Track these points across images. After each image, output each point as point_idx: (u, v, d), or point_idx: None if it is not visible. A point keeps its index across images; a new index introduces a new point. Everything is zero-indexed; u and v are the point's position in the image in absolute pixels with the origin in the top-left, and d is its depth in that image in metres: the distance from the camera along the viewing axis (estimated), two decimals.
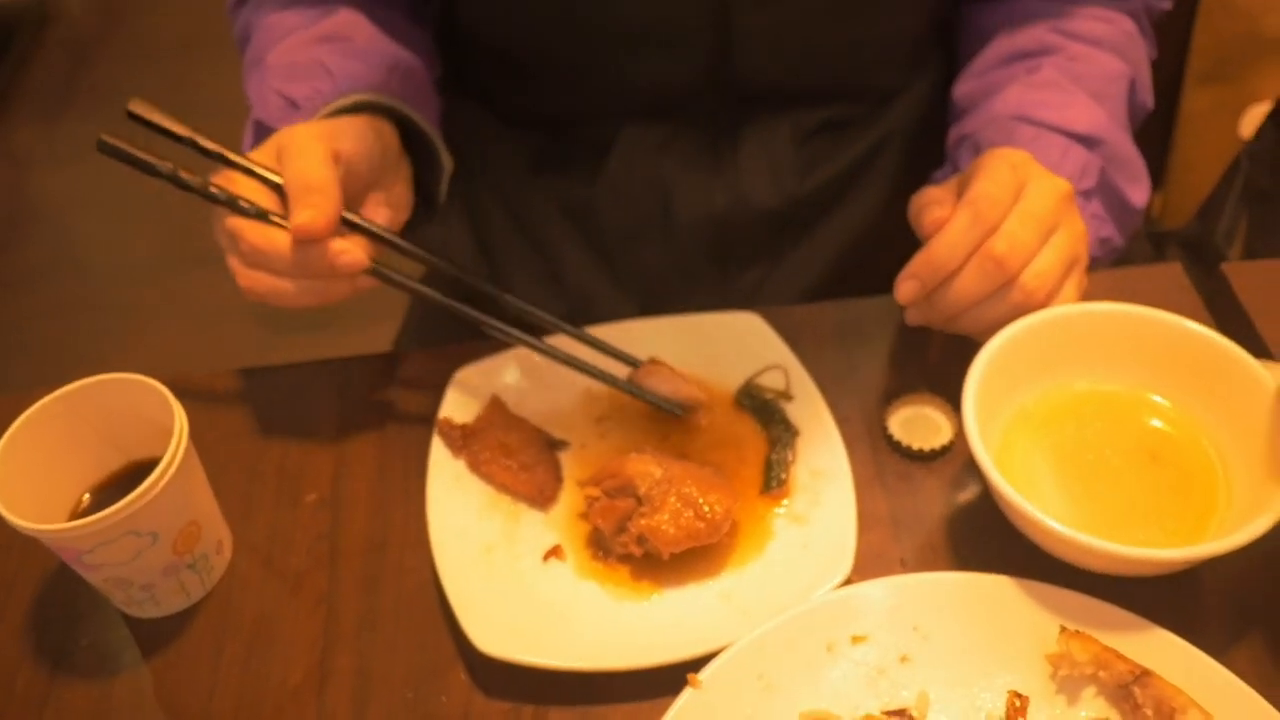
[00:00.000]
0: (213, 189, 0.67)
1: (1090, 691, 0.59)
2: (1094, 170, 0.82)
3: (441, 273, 0.76)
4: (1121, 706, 0.58)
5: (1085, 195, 0.81)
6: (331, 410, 0.78)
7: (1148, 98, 0.91)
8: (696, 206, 0.93)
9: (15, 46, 2.86)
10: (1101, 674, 0.58)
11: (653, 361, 0.74)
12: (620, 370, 0.75)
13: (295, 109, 0.77)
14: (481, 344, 0.78)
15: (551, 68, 0.91)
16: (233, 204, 0.67)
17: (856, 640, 0.61)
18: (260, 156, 0.70)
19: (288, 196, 0.68)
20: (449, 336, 0.84)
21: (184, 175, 0.67)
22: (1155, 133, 1.31)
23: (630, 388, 0.73)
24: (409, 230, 0.78)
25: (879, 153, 0.96)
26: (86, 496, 0.67)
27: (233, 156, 0.69)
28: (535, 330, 0.75)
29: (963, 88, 0.89)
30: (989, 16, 0.91)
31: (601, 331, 0.77)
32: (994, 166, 0.71)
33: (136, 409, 0.66)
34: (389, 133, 0.75)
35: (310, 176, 0.67)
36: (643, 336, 0.77)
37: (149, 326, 2.16)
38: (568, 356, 0.73)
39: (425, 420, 0.75)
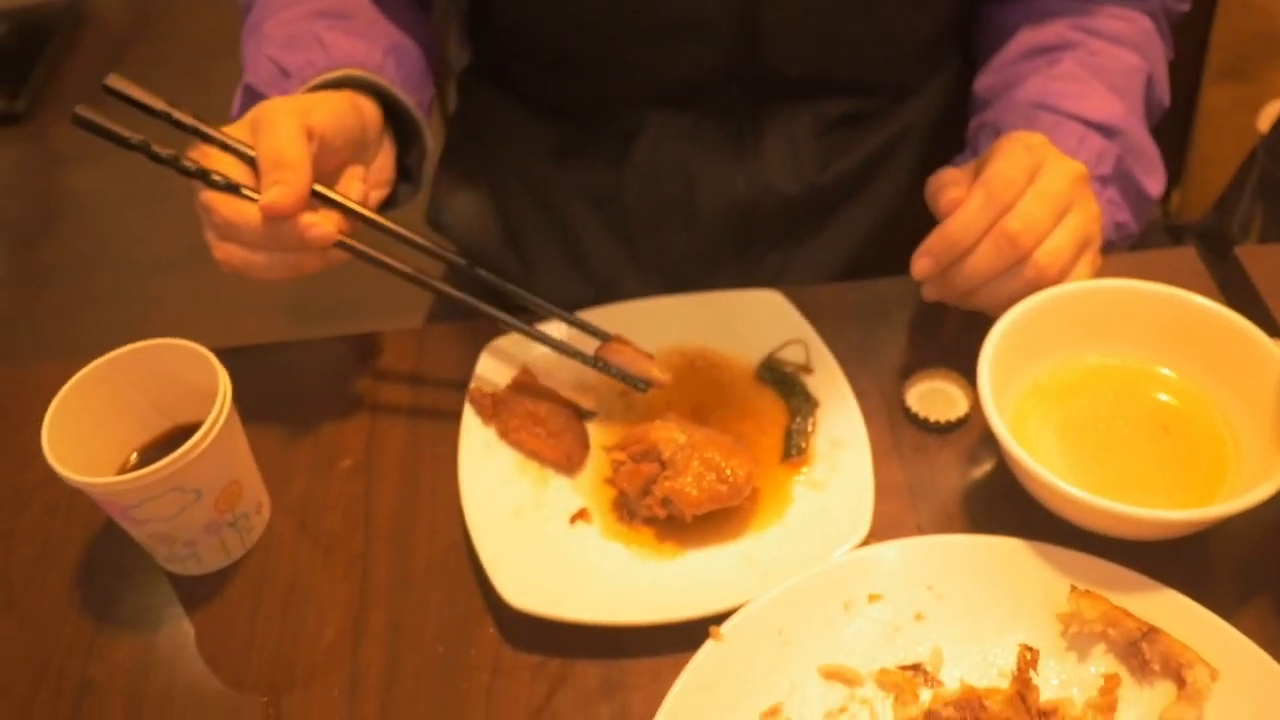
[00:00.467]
0: (185, 162, 0.68)
1: (1100, 649, 0.61)
2: (1110, 157, 0.84)
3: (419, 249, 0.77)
4: (1130, 663, 0.60)
5: (1102, 181, 0.83)
6: (365, 381, 0.81)
7: (1164, 95, 0.93)
8: (719, 193, 0.95)
9: (50, 48, 2.92)
10: (1111, 631, 0.60)
11: (618, 339, 0.75)
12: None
13: (286, 77, 0.78)
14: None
15: (581, 56, 0.93)
16: (204, 177, 0.68)
17: (873, 599, 0.63)
18: (236, 131, 0.71)
19: (259, 171, 0.69)
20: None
21: (156, 148, 0.67)
22: (1174, 129, 1.32)
23: (596, 363, 0.74)
24: (388, 208, 0.80)
25: (898, 145, 0.98)
26: (134, 456, 0.70)
27: (208, 130, 0.70)
28: (505, 302, 0.76)
29: (984, 81, 0.91)
30: (1009, 15, 0.93)
31: (627, 309, 0.80)
32: (1010, 149, 0.73)
33: (181, 373, 0.69)
34: (370, 110, 0.77)
35: (281, 152, 0.68)
36: (666, 314, 0.80)
37: (178, 318, 2.20)
38: (527, 328, 0.75)
39: (455, 391, 0.77)
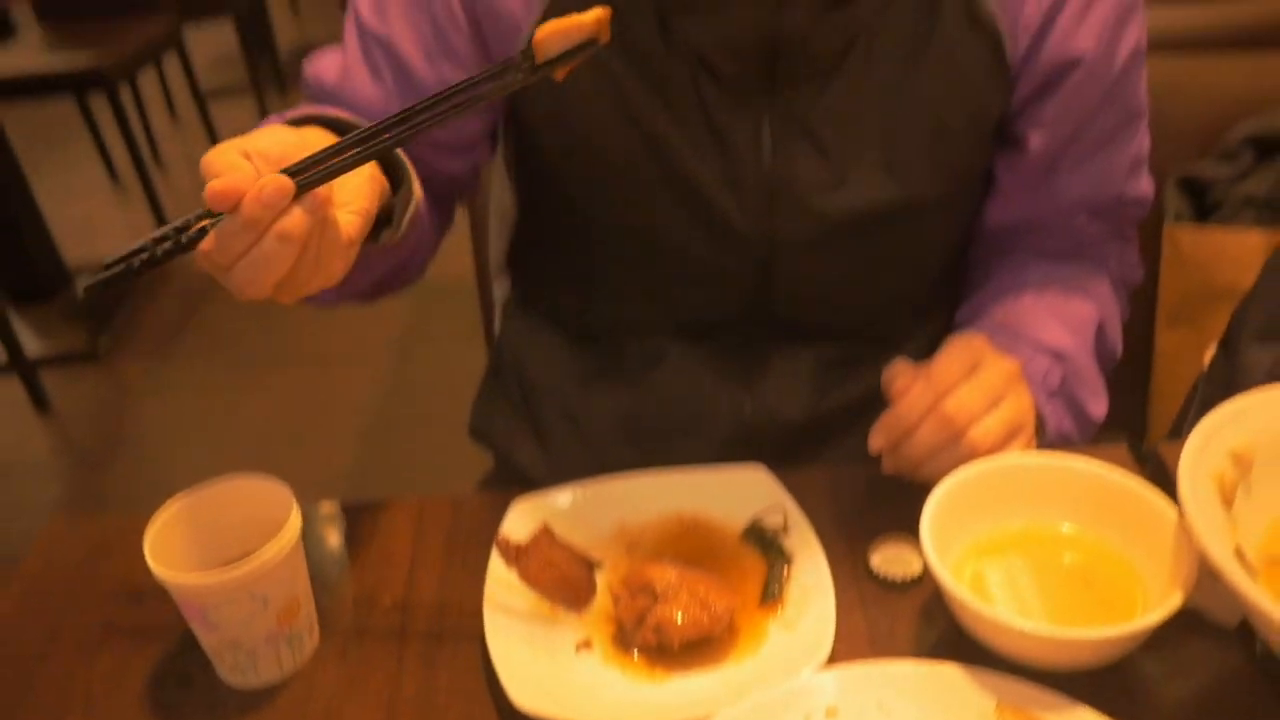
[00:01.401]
0: (159, 251, 0.69)
1: None
2: (1056, 376, 0.98)
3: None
4: None
5: (1049, 394, 0.97)
6: (406, 536, 0.94)
7: (1117, 345, 1.09)
8: (728, 415, 1.10)
9: (135, 294, 3.24)
10: None
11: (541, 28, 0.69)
12: None
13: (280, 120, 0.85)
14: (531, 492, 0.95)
15: (616, 291, 1.10)
16: (178, 249, 0.69)
17: (830, 713, 0.73)
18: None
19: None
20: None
21: (142, 260, 0.69)
22: (1134, 380, 1.48)
23: (538, 69, 0.70)
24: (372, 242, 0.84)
25: None
26: None
27: (181, 225, 0.70)
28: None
29: (961, 311, 1.09)
30: (994, 267, 1.12)
31: (630, 482, 0.94)
32: (954, 346, 0.88)
33: (254, 509, 0.82)
34: (319, 136, 0.78)
35: (216, 168, 0.69)
36: (666, 487, 0.93)
37: None
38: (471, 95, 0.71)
39: (483, 544, 0.90)
